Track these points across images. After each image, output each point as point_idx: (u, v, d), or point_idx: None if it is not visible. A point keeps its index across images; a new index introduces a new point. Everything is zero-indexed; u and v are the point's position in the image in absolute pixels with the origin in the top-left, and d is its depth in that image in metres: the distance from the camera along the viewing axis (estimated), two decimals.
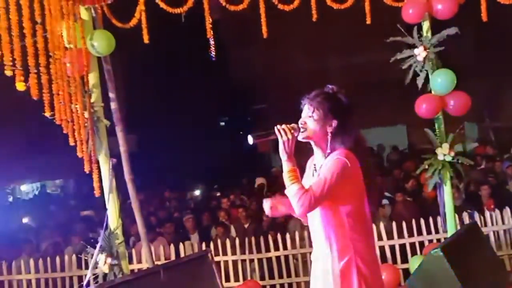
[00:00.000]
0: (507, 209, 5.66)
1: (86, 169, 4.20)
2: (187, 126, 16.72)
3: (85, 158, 4.19)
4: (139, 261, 5.88)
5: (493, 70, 13.05)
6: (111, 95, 4.52)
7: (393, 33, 4.74)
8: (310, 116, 2.31)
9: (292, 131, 2.25)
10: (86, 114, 4.21)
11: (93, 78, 4.36)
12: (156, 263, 5.48)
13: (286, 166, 2.23)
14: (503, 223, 5.63)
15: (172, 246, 5.89)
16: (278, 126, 2.26)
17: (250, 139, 2.30)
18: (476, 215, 5.72)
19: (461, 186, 6.78)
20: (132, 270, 5.74)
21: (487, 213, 5.74)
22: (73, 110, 4.18)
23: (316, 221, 2.33)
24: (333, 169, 2.20)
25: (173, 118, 16.30)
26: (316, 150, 2.39)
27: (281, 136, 2.23)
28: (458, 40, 4.63)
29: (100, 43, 4.23)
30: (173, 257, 5.75)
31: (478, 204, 6.46)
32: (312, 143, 2.38)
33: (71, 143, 4.14)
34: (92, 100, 4.32)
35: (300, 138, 2.32)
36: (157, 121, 15.67)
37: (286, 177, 2.22)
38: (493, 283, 4.07)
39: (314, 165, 2.42)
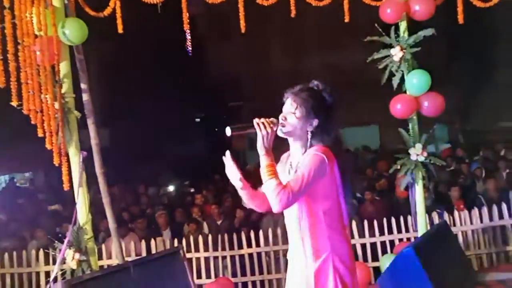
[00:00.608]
0: (476, 209, 5.78)
1: (56, 161, 4.07)
2: (161, 121, 16.51)
3: (54, 150, 4.06)
4: (109, 257, 5.75)
5: (465, 74, 13.38)
6: (83, 86, 4.39)
7: (370, 33, 4.77)
8: (292, 113, 2.27)
9: (272, 125, 2.20)
10: (56, 105, 4.07)
11: (64, 68, 4.22)
12: (126, 259, 5.39)
13: (264, 160, 2.18)
14: (471, 223, 5.73)
15: (143, 242, 5.78)
16: (257, 120, 2.20)
17: (228, 131, 2.25)
18: (446, 215, 5.82)
19: (431, 186, 6.90)
20: (101, 266, 5.62)
21: (456, 213, 5.84)
22: (42, 101, 4.05)
23: (291, 218, 2.30)
24: (310, 165, 2.16)
25: (148, 112, 16.07)
26: (293, 147, 2.35)
27: (260, 130, 2.17)
28: (431, 42, 4.69)
29: (72, 31, 4.09)
30: (144, 254, 5.65)
31: (447, 205, 6.58)
32: (290, 139, 2.35)
33: (40, 135, 4.01)
34: (62, 91, 4.18)
35: (279, 133, 2.27)
36: (131, 115, 15.41)
37: (264, 172, 2.17)
38: (462, 282, 4.14)
39: (291, 162, 2.38)
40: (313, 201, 2.23)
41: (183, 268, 4.00)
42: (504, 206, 5.67)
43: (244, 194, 2.36)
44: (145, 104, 15.93)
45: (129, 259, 5.39)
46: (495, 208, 5.70)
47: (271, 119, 2.25)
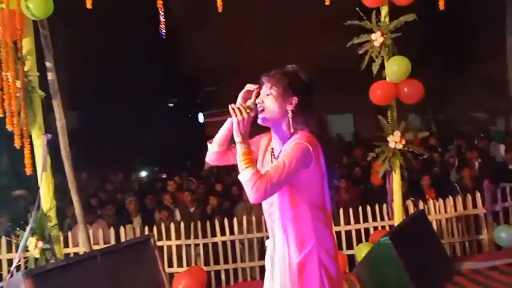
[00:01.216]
0: (450, 198, 5.78)
1: (17, 144, 3.80)
2: (133, 105, 16.11)
3: (15, 132, 3.80)
4: (76, 245, 5.51)
5: (438, 63, 13.49)
6: (48, 64, 4.13)
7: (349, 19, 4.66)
8: (268, 94, 2.12)
9: (248, 110, 2.04)
10: (18, 83, 3.80)
11: (27, 44, 3.95)
12: (94, 247, 5.17)
13: (240, 148, 2.02)
14: (445, 211, 5.73)
15: (112, 229, 5.56)
16: (233, 105, 2.04)
17: (201, 117, 2.08)
18: (420, 203, 5.81)
19: (406, 174, 6.90)
20: (67, 255, 5.40)
21: (431, 202, 5.84)
22: (3, 78, 3.78)
23: (273, 208, 2.15)
24: (293, 154, 2.01)
25: (119, 95, 15.64)
26: (275, 133, 2.20)
27: (236, 115, 2.01)
28: (406, 30, 4.60)
29: (36, 5, 3.81)
30: (113, 242, 5.43)
31: (420, 193, 6.59)
32: (273, 127, 2.19)
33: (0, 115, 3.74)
34: (25, 68, 3.92)
35: (259, 120, 2.12)
36: (102, 98, 14.95)
37: (240, 160, 2.01)
38: (438, 271, 4.12)
39: (272, 149, 2.23)
40: (296, 191, 2.08)
41: (154, 257, 3.83)
42: (478, 195, 5.68)
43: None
44: (116, 87, 15.49)
45: (97, 247, 5.20)
46: (469, 197, 5.71)
47: (248, 103, 2.09)
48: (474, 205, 5.70)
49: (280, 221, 2.12)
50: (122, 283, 3.58)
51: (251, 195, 1.97)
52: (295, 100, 2.10)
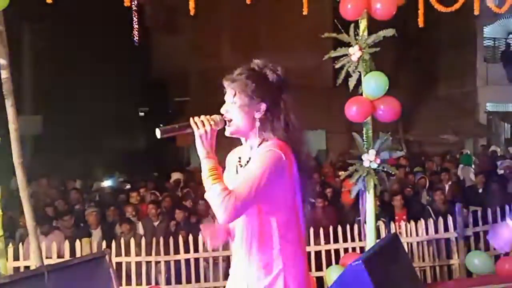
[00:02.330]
0: (422, 221, 5.66)
1: None
2: (102, 112, 15.66)
3: None
4: (28, 258, 5.10)
5: (408, 84, 13.63)
6: (2, 61, 3.82)
7: (321, 38, 4.54)
8: (232, 103, 1.89)
9: (212, 122, 1.82)
10: None
11: None
12: (47, 261, 4.79)
13: (206, 164, 1.79)
14: (417, 234, 5.61)
15: (66, 243, 5.17)
16: (196, 118, 1.82)
17: (158, 133, 1.84)
18: (392, 225, 5.67)
19: (378, 194, 6.78)
20: (17, 268, 5.00)
21: (403, 224, 5.71)
22: None
23: (237, 229, 1.90)
24: (264, 165, 1.77)
25: (87, 102, 15.17)
26: (244, 142, 1.97)
27: (198, 129, 1.79)
28: (381, 50, 4.48)
29: None
30: (68, 256, 5.05)
31: (391, 214, 6.47)
32: (242, 138, 1.97)
33: None
34: None
35: (226, 133, 1.90)
36: (68, 104, 14.46)
37: (206, 176, 1.77)
38: None
39: (239, 158, 1.98)
40: (264, 207, 1.83)
41: (108, 276, 3.50)
42: (450, 219, 5.58)
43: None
44: (85, 93, 15.05)
45: (50, 261, 4.82)
46: (441, 220, 5.61)
47: (213, 116, 1.87)
48: (446, 229, 5.59)
49: (244, 244, 1.87)
50: None
51: (219, 215, 1.72)
52: (263, 106, 1.87)
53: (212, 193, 1.75)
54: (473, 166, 9.57)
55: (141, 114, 24.13)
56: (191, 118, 1.84)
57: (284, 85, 1.91)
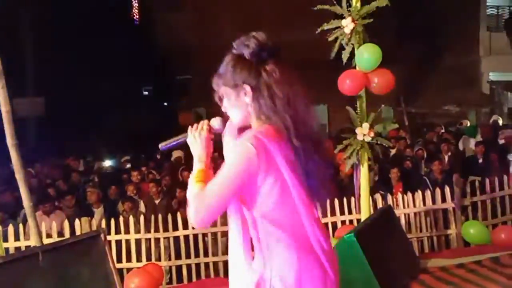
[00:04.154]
0: (419, 192, 5.66)
1: None
2: (105, 92, 15.65)
3: None
4: (28, 238, 5.18)
5: (410, 55, 13.47)
6: None
7: (321, 13, 4.44)
8: (221, 100, 1.74)
9: (207, 127, 1.73)
10: None
11: None
12: (48, 240, 4.87)
13: (195, 167, 1.68)
14: (414, 206, 5.62)
15: (66, 222, 5.24)
16: (194, 125, 1.74)
17: (161, 147, 1.85)
18: (389, 197, 5.68)
19: (376, 167, 6.77)
20: (18, 248, 5.08)
21: (400, 196, 5.72)
22: None
23: (231, 223, 1.75)
24: (231, 164, 1.60)
25: (89, 83, 15.15)
26: None
27: (191, 132, 1.71)
28: (377, 19, 4.40)
29: None
30: (67, 235, 5.12)
31: (389, 186, 6.48)
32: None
33: None
34: None
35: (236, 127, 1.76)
36: (69, 85, 14.44)
37: (193, 176, 1.65)
38: (404, 269, 3.98)
39: None
40: (249, 207, 1.65)
41: (104, 254, 3.56)
42: (447, 189, 5.58)
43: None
44: (87, 74, 15.01)
45: (51, 240, 4.89)
46: (438, 191, 5.61)
47: (212, 119, 1.76)
48: (443, 199, 5.60)
49: (235, 236, 1.71)
50: (67, 283, 3.30)
51: (190, 215, 1.59)
52: (247, 88, 1.65)
53: (189, 193, 1.63)
54: (478, 136, 9.46)
55: (145, 92, 24.09)
56: (189, 127, 1.74)
57: (267, 55, 1.66)
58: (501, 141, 8.52)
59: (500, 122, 11.08)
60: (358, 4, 4.36)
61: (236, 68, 1.67)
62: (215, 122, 1.76)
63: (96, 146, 12.16)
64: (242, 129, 1.72)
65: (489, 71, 15.45)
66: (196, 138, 1.71)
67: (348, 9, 4.35)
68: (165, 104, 22.11)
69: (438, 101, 14.13)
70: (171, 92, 20.81)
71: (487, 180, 5.73)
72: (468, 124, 11.22)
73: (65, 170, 8.87)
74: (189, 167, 8.55)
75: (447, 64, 15.24)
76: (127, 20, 21.23)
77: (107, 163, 10.09)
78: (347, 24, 4.35)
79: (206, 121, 1.76)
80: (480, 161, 7.33)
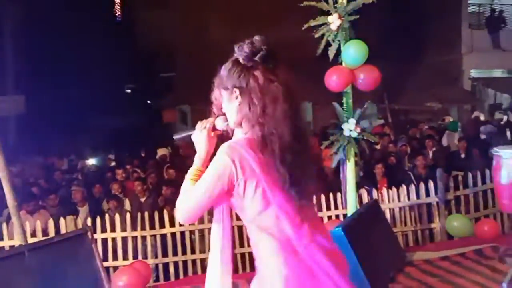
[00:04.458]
0: (404, 187, 5.73)
1: None
2: (87, 90, 15.46)
3: None
4: (12, 238, 5.10)
5: (395, 54, 13.59)
6: None
7: (308, 11, 4.46)
8: (216, 100, 1.78)
9: (207, 125, 1.77)
10: None
11: None
12: (33, 239, 4.80)
13: (194, 163, 1.76)
14: (399, 200, 5.69)
15: (50, 221, 5.17)
16: (200, 123, 1.81)
17: (175, 137, 1.86)
18: (374, 192, 5.74)
19: (361, 162, 6.83)
20: (2, 248, 5.00)
21: (384, 191, 5.78)
22: None
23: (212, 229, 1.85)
24: (209, 174, 1.65)
25: (71, 80, 14.96)
26: None
27: (198, 134, 1.79)
28: (363, 20, 4.44)
29: None
30: (52, 234, 5.05)
31: (374, 182, 6.55)
32: None
33: None
34: None
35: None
36: (51, 82, 14.24)
37: (189, 173, 1.74)
38: (391, 261, 4.03)
39: None
40: (240, 213, 1.70)
41: (91, 252, 3.53)
42: (431, 184, 5.66)
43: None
44: (69, 71, 14.82)
45: (36, 239, 4.82)
46: (422, 186, 5.69)
47: (211, 118, 1.80)
48: (427, 194, 5.68)
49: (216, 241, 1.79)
50: (54, 282, 3.27)
51: (176, 210, 1.69)
52: (237, 92, 1.66)
53: (182, 187, 1.71)
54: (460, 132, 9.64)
55: (127, 91, 23.89)
56: (198, 122, 1.80)
57: (259, 61, 1.65)
58: (483, 137, 8.68)
59: (482, 118, 11.29)
60: (344, 1, 4.39)
61: (230, 71, 1.69)
62: (219, 121, 1.78)
63: (79, 145, 12.03)
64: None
65: (470, 68, 15.69)
66: (199, 134, 1.77)
67: (335, 5, 4.37)
68: (148, 102, 21.97)
69: (420, 98, 14.29)
70: (155, 90, 20.69)
71: (470, 175, 5.82)
72: (451, 120, 11.41)
73: (48, 169, 8.76)
74: (174, 165, 8.58)
75: (430, 62, 15.43)
76: (110, 18, 21.00)
77: (91, 161, 9.98)
78: (334, 21, 4.37)
79: (211, 119, 1.79)
80: (463, 156, 7.46)
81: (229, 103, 1.70)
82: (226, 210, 1.73)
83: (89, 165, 9.78)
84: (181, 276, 5.30)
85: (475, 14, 16.08)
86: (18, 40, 13.77)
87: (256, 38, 1.70)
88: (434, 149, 7.79)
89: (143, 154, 10.20)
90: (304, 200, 1.66)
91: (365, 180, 6.53)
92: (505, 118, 12.41)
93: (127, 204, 6.69)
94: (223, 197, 1.66)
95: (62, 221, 5.14)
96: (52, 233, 5.05)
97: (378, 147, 8.22)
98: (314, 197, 1.84)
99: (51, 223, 5.12)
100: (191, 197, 1.67)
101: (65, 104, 14.31)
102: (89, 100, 15.33)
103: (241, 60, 1.67)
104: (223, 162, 1.61)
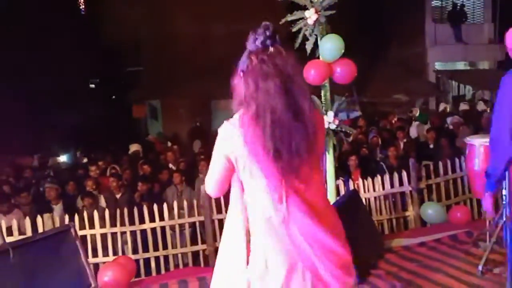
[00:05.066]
0: (378, 177, 5.90)
1: None
2: (51, 86, 15.06)
3: None
4: None
5: (361, 48, 13.85)
6: None
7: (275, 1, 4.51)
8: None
9: None
10: None
11: None
12: (8, 239, 4.69)
13: None
14: (374, 190, 5.85)
15: (27, 219, 5.07)
16: None
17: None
18: (350, 183, 5.87)
19: (336, 154, 6.96)
20: None
21: (360, 181, 5.92)
22: None
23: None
24: (215, 150, 1.89)
25: (34, 75, 14.53)
26: None
27: None
28: (335, 14, 4.53)
29: None
30: (29, 232, 4.95)
31: (348, 172, 6.69)
32: None
33: None
34: None
35: None
36: (14, 78, 13.79)
37: None
38: (371, 249, 4.16)
39: None
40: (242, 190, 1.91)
41: (75, 248, 3.50)
42: (404, 173, 5.84)
43: None
44: (31, 66, 14.38)
45: (12, 239, 4.72)
46: (396, 175, 5.86)
47: None
48: (401, 183, 5.86)
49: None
50: (39, 279, 3.22)
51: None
52: (241, 75, 1.82)
53: None
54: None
55: (92, 85, 23.41)
56: None
57: (260, 45, 1.80)
58: (450, 127, 9.00)
59: (447, 109, 11.67)
60: None
61: (241, 58, 1.85)
62: None
63: (46, 142, 11.73)
64: None
65: (434, 61, 16.16)
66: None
67: (311, 0, 4.44)
68: (113, 97, 21.60)
69: (387, 90, 14.63)
70: (122, 85, 20.32)
71: (440, 164, 6.05)
72: (418, 113, 11.74)
73: (17, 167, 8.52)
74: (148, 161, 8.51)
75: (396, 55, 15.82)
76: (74, 10, 20.47)
77: (61, 158, 9.76)
78: (311, 15, 4.44)
79: None
80: (431, 146, 7.71)
81: (237, 86, 1.84)
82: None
83: (59, 162, 9.57)
84: (163, 271, 5.30)
85: (438, 8, 16.56)
86: None
87: (263, 24, 1.84)
88: (404, 140, 8.03)
89: (114, 150, 10.05)
90: (291, 174, 1.77)
91: (340, 171, 6.66)
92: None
93: (102, 201, 6.61)
94: (231, 170, 1.84)
95: (39, 219, 5.04)
96: (29, 232, 4.95)
97: (349, 138, 8.38)
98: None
99: (27, 222, 5.01)
100: (208, 173, 1.91)
101: (29, 100, 13.91)
102: (54, 96, 14.96)
103: (248, 46, 1.84)
104: (218, 141, 1.84)
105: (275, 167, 1.75)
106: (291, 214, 1.78)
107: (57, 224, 5.09)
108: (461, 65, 16.82)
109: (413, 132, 9.70)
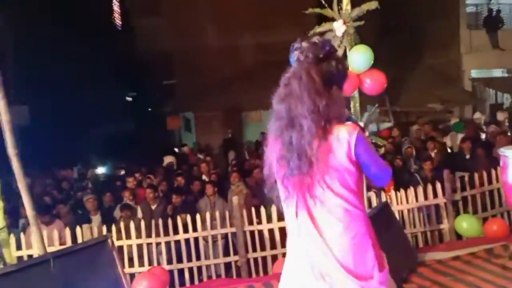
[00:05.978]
0: (411, 189, 5.81)
1: None
2: (89, 99, 15.56)
3: None
4: (30, 247, 5.19)
5: (394, 55, 13.71)
6: None
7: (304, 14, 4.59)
8: None
9: None
10: None
11: None
12: (49, 249, 4.88)
13: None
14: (407, 202, 5.77)
15: (67, 229, 5.27)
16: None
17: None
18: (382, 195, 5.81)
19: None
20: (20, 257, 5.09)
21: (393, 193, 5.85)
22: None
23: None
24: None
25: (73, 90, 15.06)
26: None
27: None
28: (365, 24, 4.54)
29: None
30: (69, 242, 5.15)
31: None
32: None
33: None
34: None
35: None
36: (54, 92, 14.34)
37: None
38: (404, 262, 4.11)
39: None
40: None
41: (112, 259, 3.63)
42: (438, 185, 5.74)
43: None
44: (70, 81, 14.92)
45: (52, 249, 4.91)
46: (429, 187, 5.77)
47: None
48: (435, 195, 5.76)
49: None
50: None
51: None
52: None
53: None
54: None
55: (129, 99, 24.02)
56: None
57: (302, 57, 2.02)
58: (487, 137, 8.76)
59: (483, 118, 11.37)
60: (349, 7, 4.50)
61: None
62: None
63: (84, 155, 12.11)
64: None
65: (470, 69, 15.80)
66: None
67: (339, 12, 4.49)
68: (150, 109, 22.10)
69: (422, 99, 14.38)
70: (157, 98, 20.78)
71: (476, 175, 5.91)
72: (455, 121, 11.46)
73: (57, 179, 8.85)
74: (182, 173, 8.68)
75: (430, 63, 15.55)
76: (110, 26, 21.14)
77: (100, 170, 10.07)
78: (339, 27, 4.48)
79: None
80: (467, 156, 7.53)
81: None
82: None
83: (98, 174, 9.88)
84: (196, 281, 5.39)
85: (473, 14, 16.21)
86: (19, 50, 13.89)
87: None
88: (435, 151, 7.87)
89: (149, 162, 10.30)
90: (303, 191, 1.86)
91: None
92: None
93: (139, 212, 6.79)
94: None
95: (78, 229, 5.24)
96: (69, 242, 5.14)
97: (382, 150, 8.29)
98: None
99: (67, 232, 5.21)
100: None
101: (68, 113, 14.42)
102: (93, 109, 15.45)
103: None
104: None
105: (289, 182, 1.89)
106: (302, 231, 1.91)
107: (95, 235, 5.27)
108: (498, 72, 16.36)
109: (449, 142, 9.50)
